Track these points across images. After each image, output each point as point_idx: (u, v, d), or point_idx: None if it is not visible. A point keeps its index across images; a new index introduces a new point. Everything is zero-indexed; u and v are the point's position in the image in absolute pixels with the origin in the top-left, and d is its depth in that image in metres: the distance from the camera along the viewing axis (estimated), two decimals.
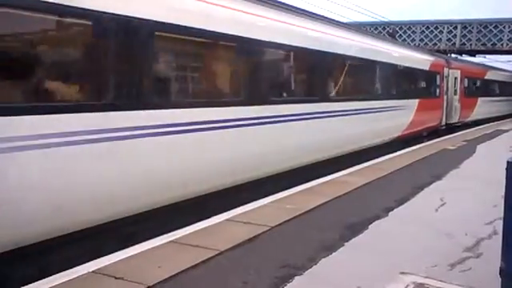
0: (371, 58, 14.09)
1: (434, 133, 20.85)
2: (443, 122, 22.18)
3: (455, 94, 23.20)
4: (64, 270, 4.74)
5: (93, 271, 4.73)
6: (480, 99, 27.88)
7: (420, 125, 18.48)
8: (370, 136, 14.06)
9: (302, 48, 10.24)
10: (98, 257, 5.09)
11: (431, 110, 19.98)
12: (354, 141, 12.98)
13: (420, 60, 19.53)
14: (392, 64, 15.77)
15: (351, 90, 13.28)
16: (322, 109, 10.97)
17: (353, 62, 12.89)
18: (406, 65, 17.02)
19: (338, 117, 11.69)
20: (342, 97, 12.31)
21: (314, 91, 11.06)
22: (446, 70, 22.01)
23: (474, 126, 25.19)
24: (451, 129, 22.77)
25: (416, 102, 17.75)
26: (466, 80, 24.87)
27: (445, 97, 21.88)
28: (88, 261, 4.98)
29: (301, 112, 10.10)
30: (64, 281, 4.51)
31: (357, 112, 12.88)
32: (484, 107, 28.64)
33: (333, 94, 11.98)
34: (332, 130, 11.33)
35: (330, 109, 11.36)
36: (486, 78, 29.97)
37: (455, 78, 23.16)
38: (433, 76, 20.53)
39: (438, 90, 20.95)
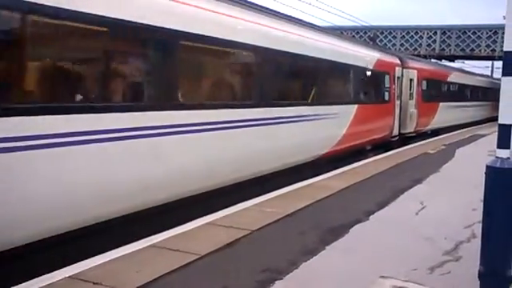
0: (279, 47, 9.92)
1: (384, 146, 17.28)
2: (395, 132, 18.46)
3: (411, 98, 19.87)
4: (40, 276, 4.64)
5: (69, 276, 4.64)
6: (442, 105, 24.20)
7: (360, 137, 14.43)
8: (275, 156, 9.89)
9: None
10: (76, 261, 5.00)
11: (377, 119, 16.12)
12: (243, 164, 8.87)
13: (361, 56, 15.09)
14: (315, 58, 11.48)
15: (238, 93, 9.44)
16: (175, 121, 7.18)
17: (241, 50, 9.00)
18: (339, 61, 12.96)
19: (215, 131, 7.99)
20: (214, 102, 8.32)
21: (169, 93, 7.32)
22: (398, 69, 18.42)
23: (434, 136, 22.49)
24: (406, 140, 19.51)
25: (353, 108, 13.91)
26: (424, 82, 21.36)
27: (397, 102, 18.31)
28: (65, 266, 4.89)
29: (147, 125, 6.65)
30: (40, 286, 4.41)
31: (250, 123, 8.97)
32: (447, 114, 24.96)
33: (200, 98, 8.24)
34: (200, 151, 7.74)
35: (195, 120, 7.56)
36: (450, 80, 26.68)
37: (411, 80, 19.82)
38: (379, 76, 16.58)
39: (387, 94, 17.10)
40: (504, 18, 4.09)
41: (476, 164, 7.02)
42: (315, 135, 11.62)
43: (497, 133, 4.02)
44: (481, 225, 4.16)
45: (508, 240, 3.95)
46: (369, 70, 15.43)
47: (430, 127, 22.94)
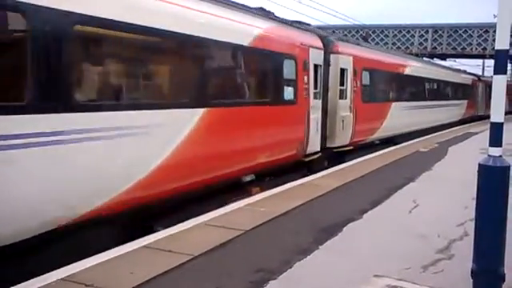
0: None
1: (294, 169, 11.55)
2: (313, 148, 12.15)
3: (343, 96, 13.86)
4: (32, 278, 4.61)
5: (62, 278, 4.61)
6: (396, 105, 18.43)
7: (209, 169, 8.21)
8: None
9: None
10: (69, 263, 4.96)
11: (265, 130, 9.91)
12: None
13: (218, 23, 8.53)
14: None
15: None
16: None
17: None
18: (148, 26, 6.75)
19: None
20: None
21: None
22: (314, 53, 12.05)
23: (391, 145, 17.25)
24: (339, 157, 13.89)
25: (194, 115, 7.70)
26: (366, 74, 15.57)
27: (314, 102, 12.00)
28: (57, 267, 4.85)
29: None
30: None
31: None
32: (404, 117, 19.21)
33: None
34: None
35: None
36: (407, 73, 20.29)
37: (343, 71, 13.82)
38: (268, 61, 10.24)
39: (289, 90, 10.83)
40: (495, 16, 4.10)
41: (468, 162, 7.05)
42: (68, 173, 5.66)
43: (489, 131, 4.03)
44: (473, 223, 4.17)
45: (500, 238, 3.97)
46: (241, 48, 9.17)
47: (377, 136, 17.09)
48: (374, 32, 38.83)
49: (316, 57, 12.20)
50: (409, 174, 10.79)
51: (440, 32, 37.81)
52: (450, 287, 4.59)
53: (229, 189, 9.02)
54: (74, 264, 4.98)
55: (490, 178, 3.99)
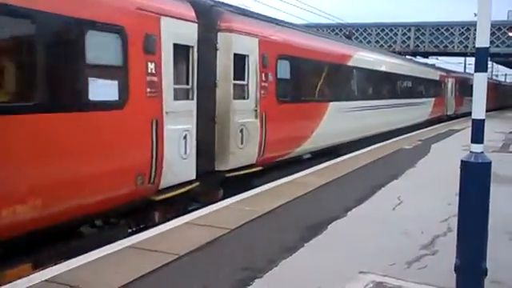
0: None
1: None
2: (178, 177, 7.81)
3: (242, 95, 9.77)
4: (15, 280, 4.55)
5: (46, 280, 4.56)
6: (335, 106, 13.92)
7: None
8: None
9: None
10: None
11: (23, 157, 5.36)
12: None
13: None
14: None
15: None
16: None
17: None
18: None
19: None
20: None
21: None
22: (178, 26, 7.76)
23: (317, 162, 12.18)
24: (238, 185, 9.29)
25: None
26: (284, 64, 11.29)
27: (178, 104, 7.73)
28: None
29: None
30: None
31: None
32: (345, 121, 14.64)
33: None
34: None
35: None
36: (351, 65, 15.68)
37: (243, 58, 9.74)
38: (46, 31, 5.68)
39: (109, 86, 6.54)
40: (475, 15, 4.15)
41: (451, 159, 7.13)
42: None
43: (470, 128, 4.08)
44: (456, 219, 4.23)
45: (483, 233, 4.02)
46: None
47: (306, 148, 12.51)
48: (357, 30, 39.00)
49: (180, 33, 7.77)
50: (393, 171, 10.88)
51: (422, 30, 38.13)
52: (434, 282, 4.64)
53: None
54: (59, 265, 4.94)
55: (472, 174, 4.04)
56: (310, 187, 8.96)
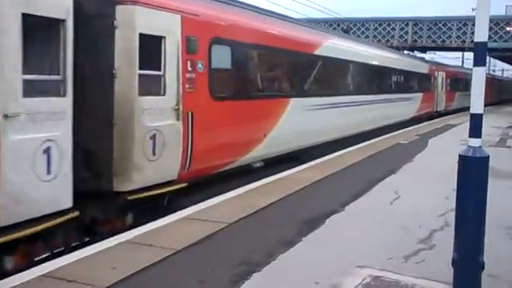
0: None
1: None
2: (26, 211, 5.41)
3: (156, 91, 7.42)
4: (12, 275, 4.54)
5: (43, 275, 4.55)
6: (296, 103, 11.66)
7: None
8: None
9: None
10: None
11: None
12: None
13: None
14: None
15: None
16: None
17: None
18: None
19: None
20: None
21: None
22: None
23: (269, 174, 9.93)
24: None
25: None
26: (222, 50, 8.98)
27: (26, 104, 5.34)
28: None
29: None
30: (12, 286, 4.31)
31: None
32: (312, 120, 12.38)
33: None
34: None
35: None
36: (320, 54, 13.24)
37: (156, 40, 7.36)
38: None
39: None
40: (473, 9, 4.13)
41: (448, 153, 7.13)
42: None
43: (468, 122, 4.07)
44: (454, 213, 4.22)
45: (480, 227, 4.01)
46: None
47: (256, 155, 10.22)
48: (354, 25, 38.92)
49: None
50: (390, 166, 10.88)
51: (420, 25, 38.05)
52: (431, 276, 4.64)
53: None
54: (55, 260, 4.93)
55: (470, 168, 4.03)
56: (307, 182, 8.95)
